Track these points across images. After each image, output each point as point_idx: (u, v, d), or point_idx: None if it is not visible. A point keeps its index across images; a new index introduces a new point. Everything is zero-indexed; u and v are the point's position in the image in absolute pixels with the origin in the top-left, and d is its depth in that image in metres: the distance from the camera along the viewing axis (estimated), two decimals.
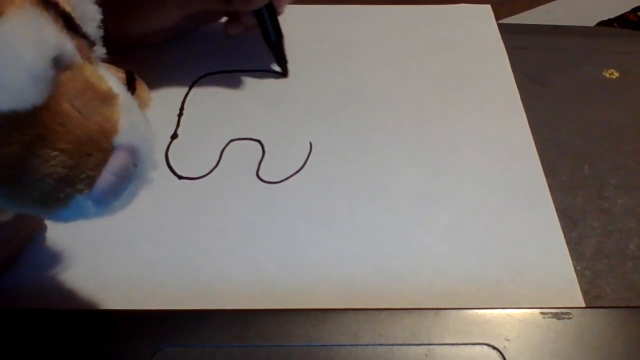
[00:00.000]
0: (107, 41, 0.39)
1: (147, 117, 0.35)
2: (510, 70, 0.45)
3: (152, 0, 0.40)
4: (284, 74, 0.44)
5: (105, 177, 0.22)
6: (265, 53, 0.46)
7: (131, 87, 0.36)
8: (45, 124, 0.21)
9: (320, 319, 0.28)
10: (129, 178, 0.23)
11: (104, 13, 0.38)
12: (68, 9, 0.24)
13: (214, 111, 0.42)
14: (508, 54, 0.46)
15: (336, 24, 0.49)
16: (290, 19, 0.50)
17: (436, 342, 0.27)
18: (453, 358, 0.27)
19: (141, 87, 0.38)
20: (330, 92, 0.43)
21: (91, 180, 0.22)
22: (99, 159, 0.22)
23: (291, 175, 0.37)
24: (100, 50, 0.27)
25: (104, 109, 0.22)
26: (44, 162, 0.21)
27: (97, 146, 0.22)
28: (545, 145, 0.39)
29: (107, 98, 0.23)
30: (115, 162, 0.22)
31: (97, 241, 0.34)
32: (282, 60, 0.44)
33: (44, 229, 0.34)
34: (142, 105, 0.38)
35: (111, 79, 0.24)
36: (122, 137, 0.22)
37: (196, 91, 0.43)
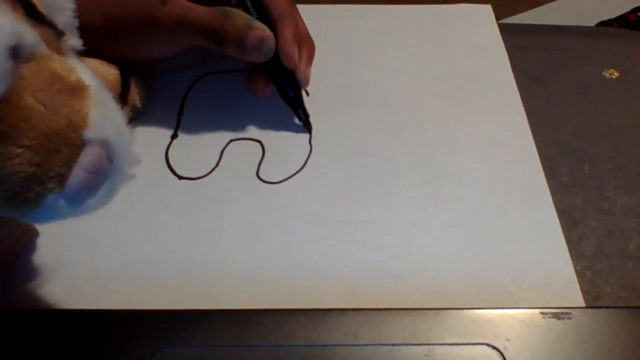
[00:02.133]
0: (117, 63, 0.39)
1: (145, 114, 0.35)
2: (510, 70, 0.45)
3: (144, 30, 0.37)
4: (307, 129, 0.40)
5: (77, 174, 0.21)
6: None
7: (125, 83, 0.36)
8: (6, 119, 0.19)
9: (320, 319, 0.28)
10: (104, 174, 0.22)
11: (104, 37, 0.37)
12: None
13: (214, 111, 0.42)
14: (508, 54, 0.46)
15: (336, 24, 0.49)
16: None
17: (436, 342, 0.27)
18: (453, 358, 0.27)
19: (136, 83, 0.38)
20: (330, 92, 0.43)
21: (62, 178, 0.21)
22: (68, 155, 0.21)
23: (291, 176, 0.37)
24: (75, 41, 0.26)
25: (73, 101, 0.21)
26: (7, 161, 0.20)
27: (66, 141, 0.20)
28: (545, 145, 0.39)
29: (77, 90, 0.21)
30: (87, 157, 0.21)
31: (97, 241, 0.34)
32: (302, 115, 0.40)
33: (35, 234, 0.33)
34: (138, 101, 0.38)
35: (83, 70, 0.23)
36: (93, 131, 0.21)
37: (196, 91, 0.43)
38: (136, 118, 0.39)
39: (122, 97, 0.36)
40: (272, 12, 0.38)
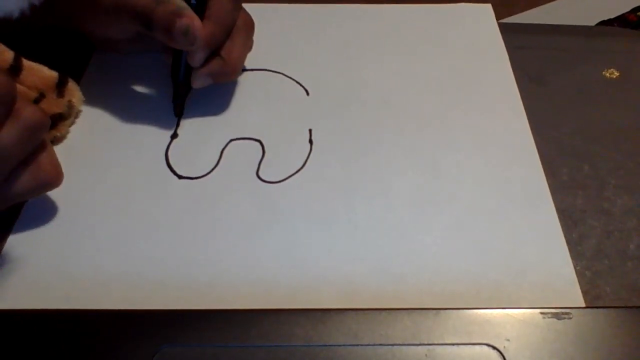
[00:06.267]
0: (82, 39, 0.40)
1: (145, 114, 0.35)
2: (510, 70, 0.45)
3: (86, 7, 0.40)
4: (176, 113, 0.41)
5: None
6: (266, 53, 0.46)
7: (62, 80, 0.39)
8: None
9: (320, 319, 0.28)
10: None
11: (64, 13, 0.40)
12: None
13: (214, 111, 0.42)
14: (508, 54, 0.46)
15: (336, 24, 0.49)
16: (291, 19, 0.50)
17: (436, 342, 0.27)
18: (453, 358, 0.27)
19: (74, 85, 0.40)
20: (330, 92, 0.43)
21: None
22: None
23: (291, 175, 0.37)
24: None
25: None
26: None
27: None
28: (545, 145, 0.39)
29: None
30: None
31: (96, 241, 0.34)
32: (177, 101, 0.41)
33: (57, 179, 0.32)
34: (76, 100, 0.40)
35: None
36: None
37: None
38: (74, 116, 0.40)
39: (59, 90, 0.38)
40: (210, 9, 0.38)
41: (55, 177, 0.32)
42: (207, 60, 0.39)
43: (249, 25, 0.42)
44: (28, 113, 0.29)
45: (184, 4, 0.37)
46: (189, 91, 0.41)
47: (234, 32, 0.40)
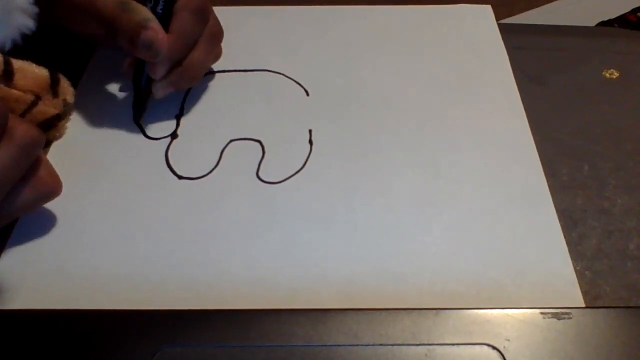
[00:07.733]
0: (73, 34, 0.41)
1: (145, 114, 0.35)
2: (510, 70, 0.45)
3: (62, 6, 0.40)
4: (135, 119, 0.41)
5: None
6: (266, 53, 0.46)
7: (54, 78, 0.38)
8: None
9: (320, 319, 0.28)
10: None
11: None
12: None
13: (214, 111, 0.42)
14: (508, 54, 0.46)
15: (336, 24, 0.49)
16: (291, 19, 0.50)
17: (436, 342, 0.27)
18: (453, 358, 0.27)
19: (66, 81, 0.39)
20: (330, 92, 0.43)
21: None
22: None
23: (291, 176, 0.37)
24: None
25: None
26: None
27: None
28: (545, 145, 0.39)
29: None
30: None
31: (96, 241, 0.34)
32: (138, 107, 0.40)
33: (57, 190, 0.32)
34: (69, 96, 0.39)
35: None
36: None
37: (196, 91, 0.43)
38: (70, 113, 0.40)
39: (53, 90, 0.38)
40: (173, 23, 0.38)
41: (54, 187, 0.32)
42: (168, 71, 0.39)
43: (216, 34, 0.41)
44: (22, 132, 0.28)
45: (150, 15, 0.37)
46: (148, 97, 0.41)
47: (198, 40, 0.40)
